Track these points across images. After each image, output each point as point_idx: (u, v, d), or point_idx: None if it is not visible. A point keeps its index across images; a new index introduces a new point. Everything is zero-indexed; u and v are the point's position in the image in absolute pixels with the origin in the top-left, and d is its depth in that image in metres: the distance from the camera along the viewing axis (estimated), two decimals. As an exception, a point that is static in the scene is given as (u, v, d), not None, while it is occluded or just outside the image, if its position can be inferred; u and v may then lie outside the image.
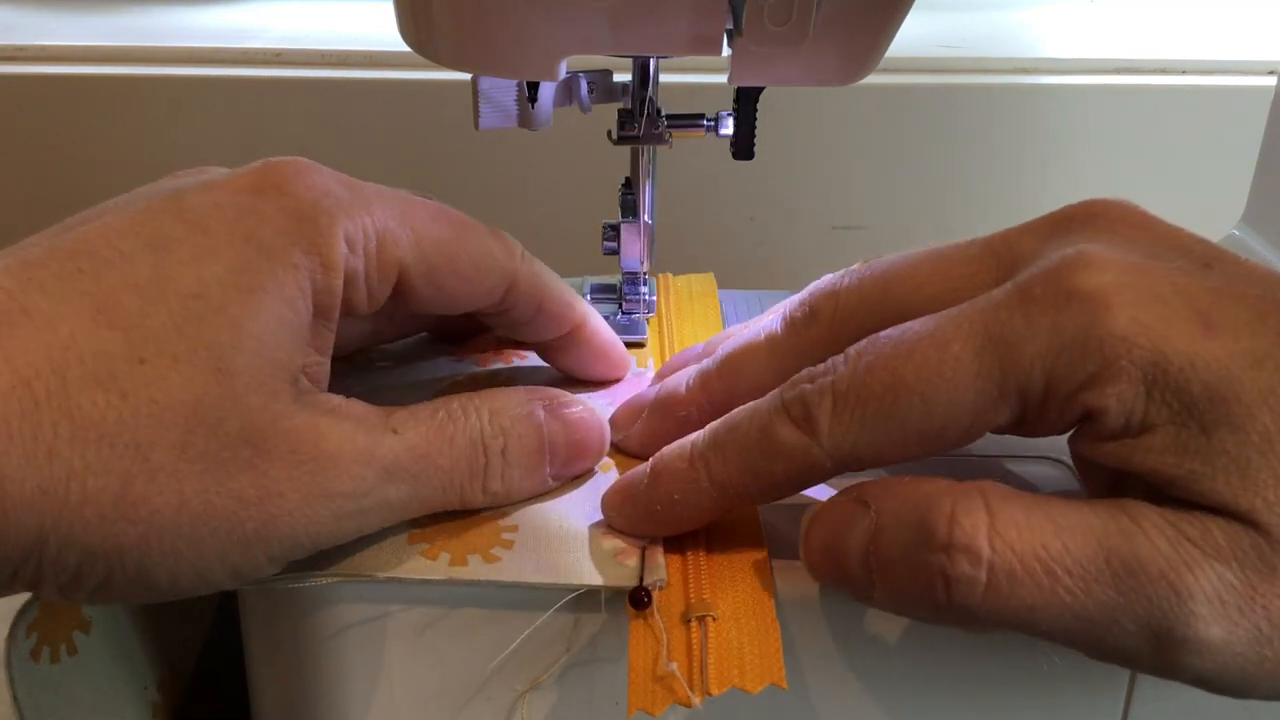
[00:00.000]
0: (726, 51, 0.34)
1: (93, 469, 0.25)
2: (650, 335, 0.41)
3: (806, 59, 0.34)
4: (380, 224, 0.30)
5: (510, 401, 0.31)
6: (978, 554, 0.24)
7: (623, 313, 0.41)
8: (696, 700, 0.26)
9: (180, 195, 0.29)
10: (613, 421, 0.34)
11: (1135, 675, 0.31)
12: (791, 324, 0.32)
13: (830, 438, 0.27)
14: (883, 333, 0.27)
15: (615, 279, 0.42)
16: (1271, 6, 0.79)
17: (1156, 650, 0.24)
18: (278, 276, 0.28)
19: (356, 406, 0.29)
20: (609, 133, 0.39)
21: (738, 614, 0.28)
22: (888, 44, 0.34)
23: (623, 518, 0.31)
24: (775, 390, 0.28)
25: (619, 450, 0.34)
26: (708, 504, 0.29)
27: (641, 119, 0.38)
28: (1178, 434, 0.24)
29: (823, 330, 0.31)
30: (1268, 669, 0.24)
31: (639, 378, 0.38)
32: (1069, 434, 0.27)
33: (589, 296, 0.42)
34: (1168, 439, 0.24)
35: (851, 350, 0.27)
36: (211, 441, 0.26)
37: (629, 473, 0.31)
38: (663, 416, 0.33)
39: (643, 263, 0.41)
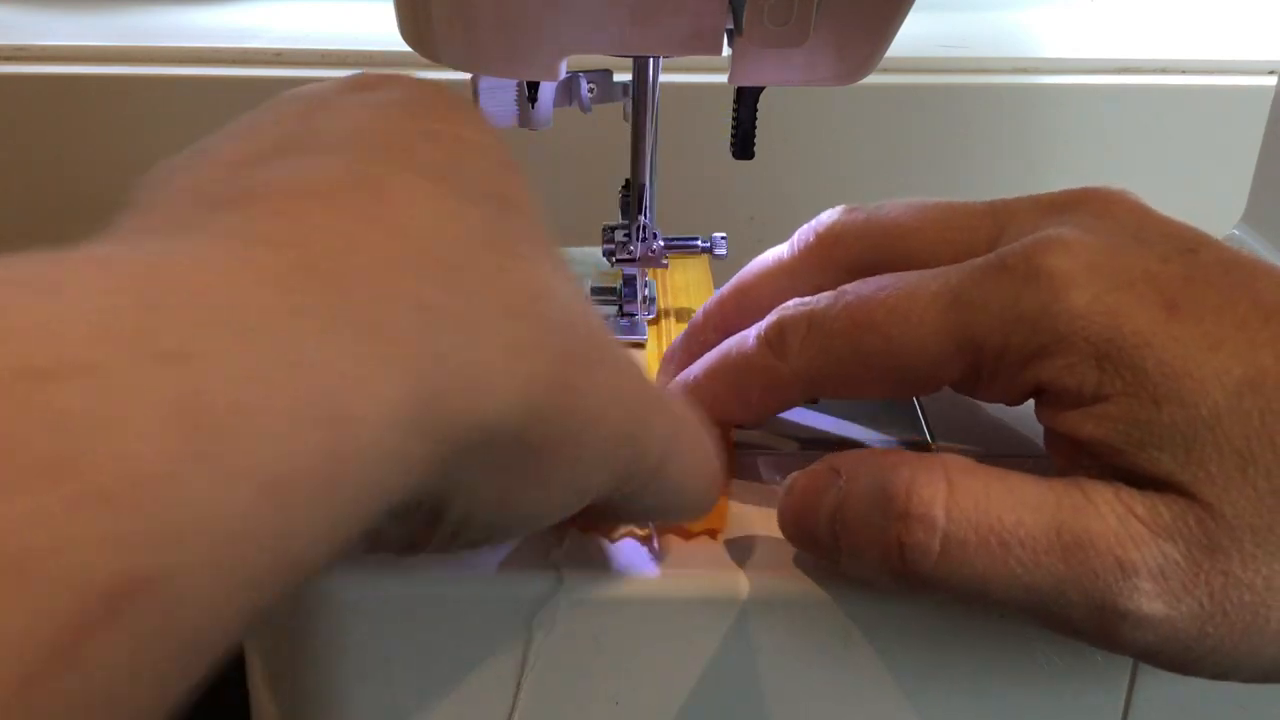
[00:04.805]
0: (726, 51, 0.34)
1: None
2: (650, 337, 0.41)
3: (806, 59, 0.34)
4: None
5: None
6: (933, 523, 0.25)
7: (623, 314, 0.41)
8: (650, 528, 0.30)
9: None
10: (660, 367, 0.37)
11: (1135, 676, 0.31)
12: (797, 249, 0.34)
13: (799, 359, 0.29)
14: (874, 277, 0.29)
15: (615, 282, 0.42)
16: (1271, 6, 0.80)
17: (1100, 623, 0.25)
18: None
19: None
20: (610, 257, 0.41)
21: None
22: (888, 44, 0.34)
23: None
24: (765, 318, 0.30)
25: None
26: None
27: (639, 241, 0.40)
28: (1129, 405, 0.25)
29: (824, 254, 0.32)
30: (1209, 645, 0.25)
31: None
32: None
33: (588, 298, 0.42)
34: (1119, 409, 0.25)
35: (844, 287, 0.29)
36: None
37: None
38: (695, 346, 0.35)
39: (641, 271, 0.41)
